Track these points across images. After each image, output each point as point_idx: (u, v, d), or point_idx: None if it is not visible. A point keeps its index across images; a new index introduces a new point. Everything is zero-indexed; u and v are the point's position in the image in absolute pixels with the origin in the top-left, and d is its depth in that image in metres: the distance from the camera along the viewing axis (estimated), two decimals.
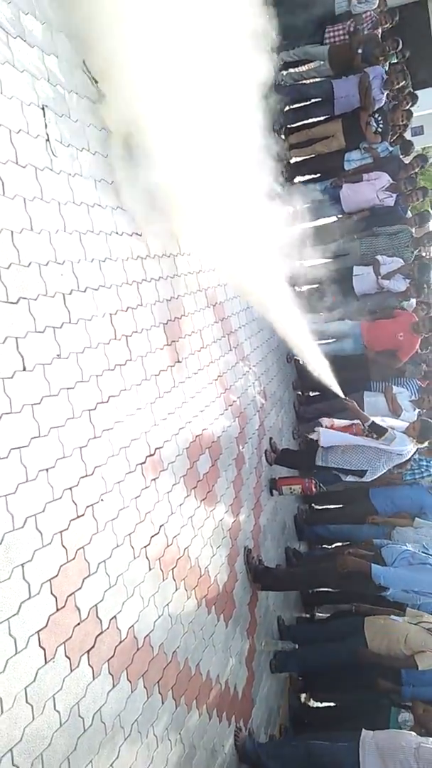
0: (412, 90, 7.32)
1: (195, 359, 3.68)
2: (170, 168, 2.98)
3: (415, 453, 5.07)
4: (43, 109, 2.41)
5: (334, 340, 6.29)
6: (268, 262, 4.05)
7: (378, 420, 4.77)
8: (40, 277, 2.25)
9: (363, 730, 3.39)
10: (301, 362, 6.70)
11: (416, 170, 6.90)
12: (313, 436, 4.83)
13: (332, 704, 4.85)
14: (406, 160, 6.97)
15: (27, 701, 1.88)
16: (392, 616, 4.08)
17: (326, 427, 4.95)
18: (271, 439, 5.14)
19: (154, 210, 3.10)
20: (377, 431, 4.59)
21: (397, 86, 6.93)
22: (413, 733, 3.43)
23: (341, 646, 4.14)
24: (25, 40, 2.38)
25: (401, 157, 7.03)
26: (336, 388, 4.88)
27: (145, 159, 2.97)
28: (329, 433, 4.74)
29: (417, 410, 5.63)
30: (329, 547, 5.69)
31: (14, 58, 2.30)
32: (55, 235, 2.38)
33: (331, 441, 4.69)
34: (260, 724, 3.90)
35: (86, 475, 2.34)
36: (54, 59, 2.55)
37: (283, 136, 7.19)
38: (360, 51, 6.80)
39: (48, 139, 2.41)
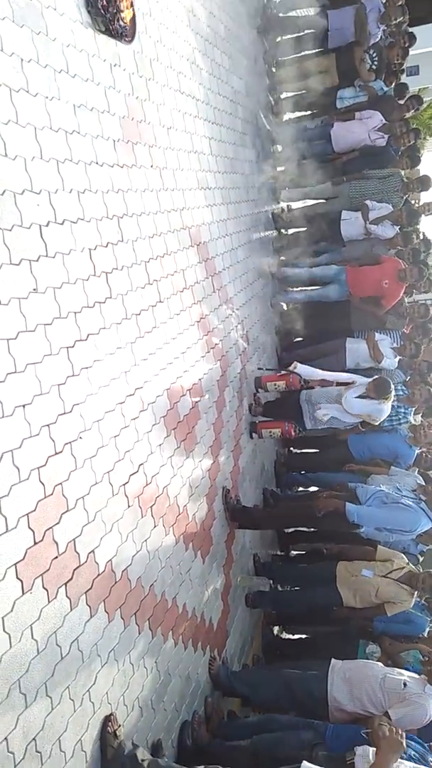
0: (409, 28, 7.02)
1: (177, 300, 3.62)
2: None
3: (393, 400, 5.14)
4: None
5: (317, 288, 6.22)
6: None
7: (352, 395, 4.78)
8: (15, 206, 2.16)
9: (332, 659, 3.55)
10: (285, 307, 6.67)
11: (410, 112, 6.68)
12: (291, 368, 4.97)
13: (304, 636, 5.05)
14: (401, 102, 6.73)
15: (4, 630, 1.92)
16: (363, 571, 4.11)
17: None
18: (255, 393, 5.15)
19: None
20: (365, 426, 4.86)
21: (394, 21, 6.62)
22: (380, 664, 3.61)
23: (314, 593, 4.24)
24: None
25: (395, 99, 6.78)
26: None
27: None
28: (305, 368, 4.89)
29: (398, 357, 5.65)
30: (306, 489, 5.80)
31: None
32: (30, 162, 2.27)
33: (307, 374, 4.87)
34: (234, 654, 4.07)
35: (64, 413, 2.33)
36: None
37: (274, 69, 6.89)
38: None
39: None
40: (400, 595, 3.96)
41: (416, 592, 3.97)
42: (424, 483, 4.69)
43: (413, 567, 4.22)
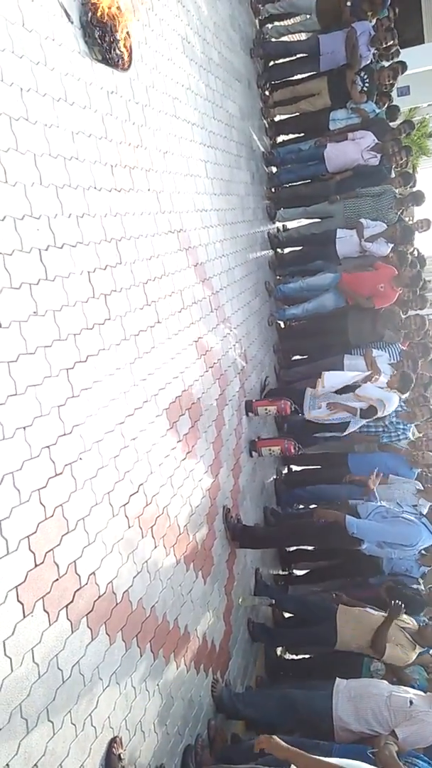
0: (399, 49, 7.18)
1: (175, 320, 3.65)
2: None
3: (392, 414, 5.17)
4: None
5: (313, 300, 6.27)
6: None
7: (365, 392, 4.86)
8: (15, 231, 2.19)
9: (337, 678, 3.51)
10: (282, 325, 6.71)
11: (402, 135, 6.80)
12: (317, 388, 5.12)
13: (307, 656, 5.00)
14: (393, 125, 6.86)
15: (5, 654, 1.91)
16: (368, 608, 4.02)
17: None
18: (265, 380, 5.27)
19: None
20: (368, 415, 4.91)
21: (384, 45, 6.77)
22: (385, 682, 3.57)
23: (313, 631, 4.20)
24: None
25: (387, 121, 6.91)
26: None
27: None
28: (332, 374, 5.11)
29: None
30: (307, 507, 5.78)
31: None
32: (30, 188, 2.31)
33: (336, 382, 5.08)
34: (237, 675, 4.03)
35: (64, 434, 2.34)
36: None
37: (267, 93, 7.02)
38: (349, 4, 6.60)
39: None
40: (398, 638, 3.76)
41: (418, 648, 3.79)
42: (422, 488, 4.70)
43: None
